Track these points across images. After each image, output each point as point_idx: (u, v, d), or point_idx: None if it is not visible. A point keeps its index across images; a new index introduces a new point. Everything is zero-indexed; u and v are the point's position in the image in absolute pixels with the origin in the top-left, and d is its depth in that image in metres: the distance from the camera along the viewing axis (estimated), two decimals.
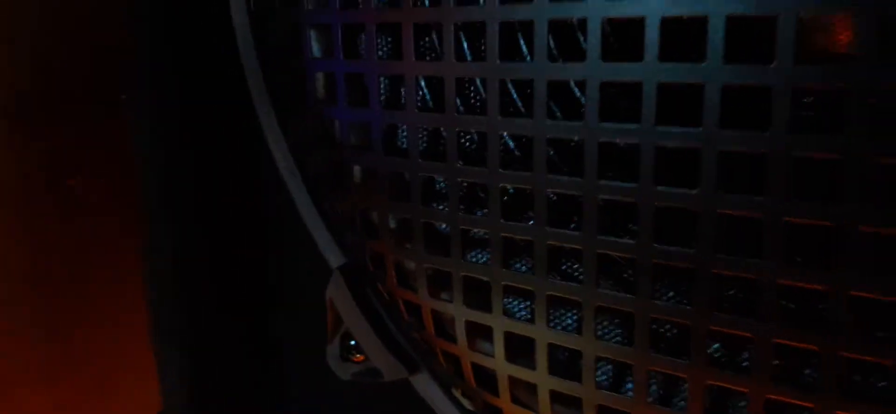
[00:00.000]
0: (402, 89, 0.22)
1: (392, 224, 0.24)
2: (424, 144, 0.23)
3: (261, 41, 0.27)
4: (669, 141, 0.17)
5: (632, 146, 0.17)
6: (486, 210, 0.21)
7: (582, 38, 0.21)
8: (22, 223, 0.38)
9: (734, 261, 0.17)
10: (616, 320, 0.21)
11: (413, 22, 0.21)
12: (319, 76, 0.25)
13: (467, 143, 0.24)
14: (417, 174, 0.22)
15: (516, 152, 0.23)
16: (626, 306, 0.19)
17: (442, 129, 0.22)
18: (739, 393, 0.18)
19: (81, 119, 0.39)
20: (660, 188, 0.17)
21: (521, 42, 0.22)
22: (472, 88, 0.24)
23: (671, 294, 0.20)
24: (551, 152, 0.20)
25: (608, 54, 0.17)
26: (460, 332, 0.23)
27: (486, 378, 0.23)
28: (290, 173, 0.28)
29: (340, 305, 0.27)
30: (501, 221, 0.20)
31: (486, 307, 0.22)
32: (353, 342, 0.29)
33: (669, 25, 0.16)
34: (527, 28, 0.19)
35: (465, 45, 0.22)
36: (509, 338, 0.22)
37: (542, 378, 0.21)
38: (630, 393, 0.20)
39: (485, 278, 0.21)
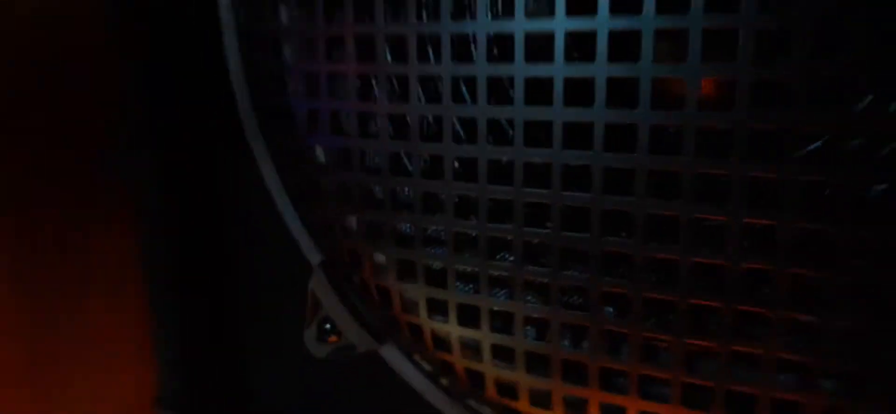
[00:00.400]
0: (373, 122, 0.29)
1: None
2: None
3: (252, 82, 0.34)
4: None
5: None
6: (442, 213, 0.28)
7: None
8: (5, 221, 0.40)
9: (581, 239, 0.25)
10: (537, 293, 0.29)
11: (386, 73, 0.28)
12: (302, 113, 0.32)
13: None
14: (388, 188, 0.29)
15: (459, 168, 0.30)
16: (543, 279, 0.27)
17: (402, 152, 0.29)
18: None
19: (72, 119, 0.41)
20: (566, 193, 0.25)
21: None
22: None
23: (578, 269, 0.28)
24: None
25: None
26: (422, 307, 0.30)
27: (442, 343, 0.31)
28: (277, 189, 0.35)
29: (321, 295, 0.34)
30: (453, 218, 0.28)
31: (443, 286, 0.29)
32: (328, 326, 0.35)
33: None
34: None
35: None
36: (461, 309, 0.29)
37: (484, 336, 0.29)
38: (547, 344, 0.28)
39: (442, 265, 0.29)
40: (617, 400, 0.27)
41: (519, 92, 0.25)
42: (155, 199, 0.40)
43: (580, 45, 0.24)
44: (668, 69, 0.22)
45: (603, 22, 0.23)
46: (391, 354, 0.34)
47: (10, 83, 0.39)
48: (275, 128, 0.34)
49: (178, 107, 0.40)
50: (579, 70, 0.24)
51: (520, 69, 0.25)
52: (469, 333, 0.29)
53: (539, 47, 0.25)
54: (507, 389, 0.30)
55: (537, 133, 0.25)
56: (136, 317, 0.42)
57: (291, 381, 0.42)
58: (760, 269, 0.23)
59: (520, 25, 0.25)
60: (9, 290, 0.41)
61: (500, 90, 0.28)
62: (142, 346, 0.43)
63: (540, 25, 0.24)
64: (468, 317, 0.29)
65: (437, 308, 0.30)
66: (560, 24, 0.24)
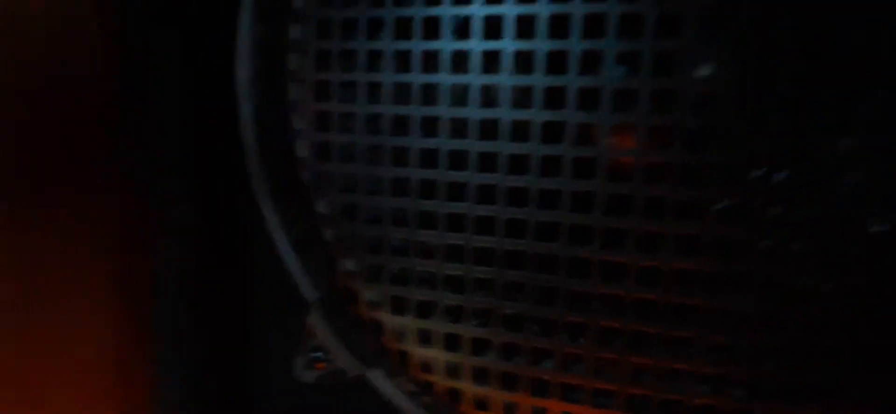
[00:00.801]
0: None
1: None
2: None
3: (263, 147, 0.40)
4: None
5: None
6: (433, 258, 0.35)
7: None
8: (3, 221, 0.39)
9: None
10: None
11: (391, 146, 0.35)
12: (307, 173, 0.38)
13: None
14: (388, 237, 0.36)
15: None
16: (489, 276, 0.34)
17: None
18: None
19: (72, 119, 0.41)
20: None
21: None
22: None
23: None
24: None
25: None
26: (412, 338, 0.37)
27: (427, 366, 0.37)
28: (279, 235, 0.40)
29: (317, 327, 0.40)
30: (444, 263, 0.35)
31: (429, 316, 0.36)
32: (317, 354, 0.41)
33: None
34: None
35: None
36: (448, 337, 0.36)
37: (464, 359, 0.35)
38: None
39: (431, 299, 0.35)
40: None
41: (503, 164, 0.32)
42: (157, 202, 0.43)
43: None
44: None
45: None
46: (377, 378, 0.39)
47: (11, 83, 0.39)
48: (282, 191, 0.40)
49: (180, 108, 0.43)
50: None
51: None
52: (451, 357, 0.36)
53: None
54: (483, 404, 0.36)
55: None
56: (137, 322, 0.44)
57: (290, 391, 0.47)
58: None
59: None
60: (9, 290, 0.41)
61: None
62: (141, 352, 0.45)
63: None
64: (450, 343, 0.36)
65: (425, 337, 0.36)
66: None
